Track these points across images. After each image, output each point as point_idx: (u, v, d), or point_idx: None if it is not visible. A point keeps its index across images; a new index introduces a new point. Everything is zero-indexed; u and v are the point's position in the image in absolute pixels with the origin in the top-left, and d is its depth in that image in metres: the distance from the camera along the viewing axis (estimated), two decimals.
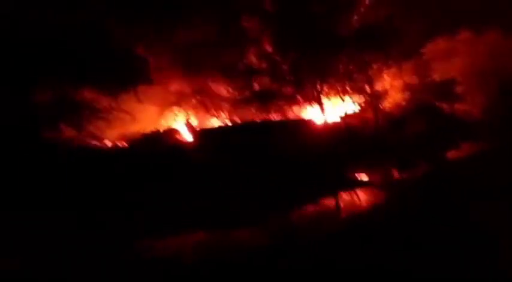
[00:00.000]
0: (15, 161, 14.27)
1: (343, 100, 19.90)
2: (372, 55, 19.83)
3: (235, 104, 19.22)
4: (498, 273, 6.31)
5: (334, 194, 13.54)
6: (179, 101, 18.83)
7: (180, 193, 13.24)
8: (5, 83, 15.31)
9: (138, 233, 11.08)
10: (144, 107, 17.92)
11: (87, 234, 11.19)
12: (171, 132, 18.16)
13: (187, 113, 18.97)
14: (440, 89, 21.50)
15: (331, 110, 20.30)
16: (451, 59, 21.48)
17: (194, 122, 19.02)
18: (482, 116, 20.88)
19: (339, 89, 19.88)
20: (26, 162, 14.27)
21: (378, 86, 20.24)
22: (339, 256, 7.80)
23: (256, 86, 19.34)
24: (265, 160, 14.91)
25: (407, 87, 21.14)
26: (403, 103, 20.89)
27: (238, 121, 19.26)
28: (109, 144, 17.35)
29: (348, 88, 19.93)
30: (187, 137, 18.56)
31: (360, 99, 20.29)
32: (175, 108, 18.79)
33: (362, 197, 13.29)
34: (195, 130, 18.63)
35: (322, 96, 19.54)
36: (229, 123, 19.19)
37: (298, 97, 19.47)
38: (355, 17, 19.96)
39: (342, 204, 12.87)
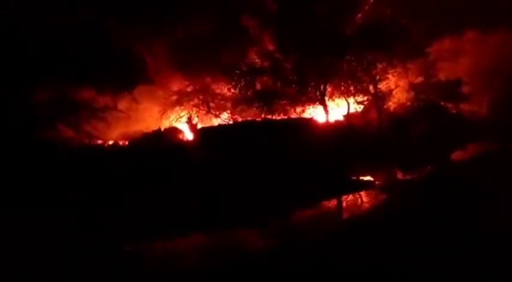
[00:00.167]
0: (14, 160, 14.23)
1: (346, 100, 19.76)
2: (377, 55, 19.68)
3: (237, 104, 19.12)
4: (498, 274, 6.17)
5: (336, 194, 13.36)
6: (180, 100, 18.83)
7: (181, 193, 13.15)
8: (4, 83, 15.31)
9: (138, 233, 10.99)
10: (144, 107, 17.94)
11: (86, 234, 11.10)
12: (172, 131, 18.09)
13: (189, 112, 18.94)
14: (446, 89, 21.39)
15: (335, 109, 20.19)
16: (456, 59, 21.39)
17: (195, 121, 19.00)
18: (488, 116, 20.74)
19: (343, 88, 19.74)
20: (25, 162, 14.22)
21: (383, 86, 20.09)
22: (340, 256, 7.66)
23: (258, 86, 19.25)
24: (267, 160, 14.78)
25: (412, 87, 21.03)
26: (408, 103, 20.78)
27: (240, 121, 19.15)
28: (109, 144, 17.31)
29: (351, 88, 19.79)
30: (189, 136, 18.52)
31: (364, 99, 20.15)
32: (176, 108, 18.78)
33: (364, 197, 13.12)
34: (197, 129, 18.59)
35: (325, 96, 19.42)
36: (231, 123, 19.10)
37: (302, 97, 19.34)
38: (360, 16, 19.87)
39: (344, 205, 12.72)
